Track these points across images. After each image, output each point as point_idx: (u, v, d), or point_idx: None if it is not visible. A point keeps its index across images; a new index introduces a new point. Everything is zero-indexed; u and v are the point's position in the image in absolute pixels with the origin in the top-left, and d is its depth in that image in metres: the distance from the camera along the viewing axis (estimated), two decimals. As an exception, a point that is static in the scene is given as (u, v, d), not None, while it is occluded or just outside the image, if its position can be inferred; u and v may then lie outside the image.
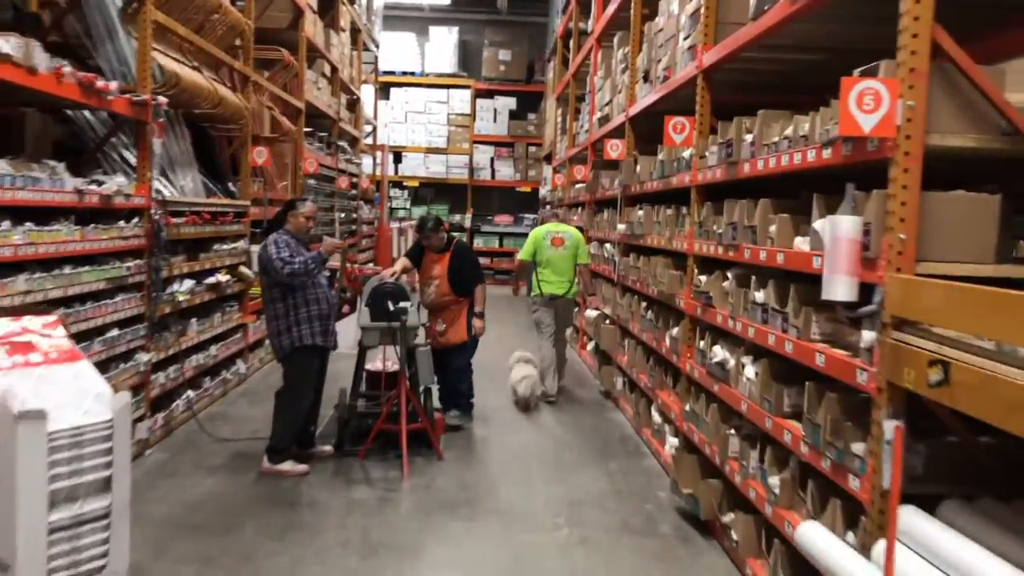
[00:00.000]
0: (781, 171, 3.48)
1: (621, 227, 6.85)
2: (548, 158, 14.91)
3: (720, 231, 4.21)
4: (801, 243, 3.36)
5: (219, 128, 7.61)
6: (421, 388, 5.54)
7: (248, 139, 7.44)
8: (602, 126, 8.16)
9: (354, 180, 13.41)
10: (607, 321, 7.56)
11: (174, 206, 5.71)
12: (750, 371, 3.78)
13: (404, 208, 19.06)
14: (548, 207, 13.49)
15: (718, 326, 4.26)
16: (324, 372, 5.33)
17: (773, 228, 3.59)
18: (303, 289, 5.02)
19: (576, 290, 7.39)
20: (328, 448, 5.42)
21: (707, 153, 4.60)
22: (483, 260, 13.63)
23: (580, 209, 9.96)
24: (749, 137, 3.92)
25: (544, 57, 17.52)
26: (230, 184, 7.17)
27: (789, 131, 3.50)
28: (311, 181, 10.16)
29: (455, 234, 6.35)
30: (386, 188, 16.44)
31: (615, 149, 7.19)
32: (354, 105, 13.89)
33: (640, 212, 6.21)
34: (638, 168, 6.37)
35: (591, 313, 8.30)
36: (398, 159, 18.77)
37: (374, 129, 16.45)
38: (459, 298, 6.08)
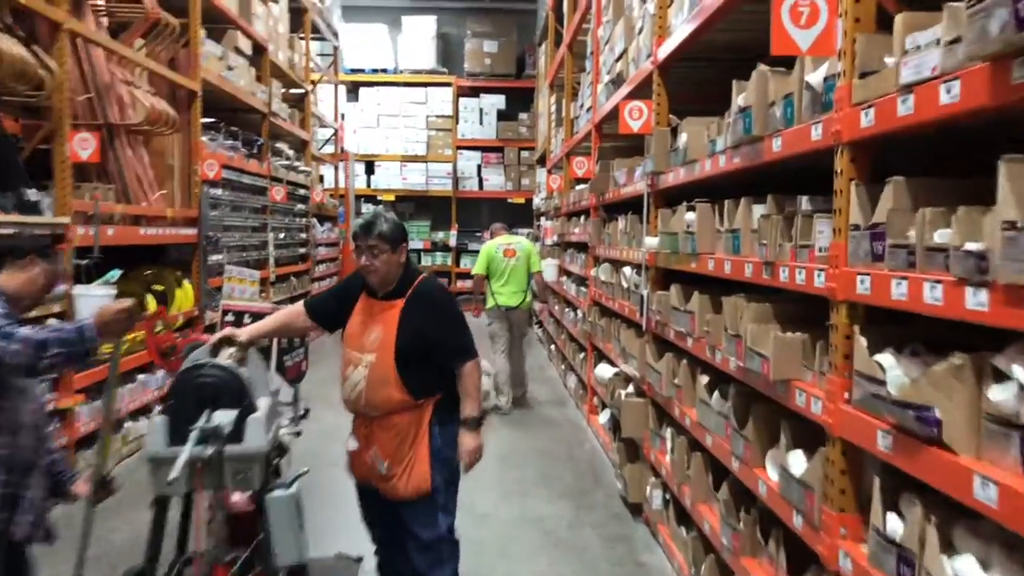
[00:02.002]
0: None
1: (651, 241, 4.19)
2: (542, 160, 12.29)
3: (957, 251, 1.56)
4: None
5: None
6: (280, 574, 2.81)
7: (63, 123, 4.79)
8: (615, 91, 5.50)
9: (299, 192, 10.79)
10: (630, 389, 4.86)
11: None
12: None
13: (378, 226, 16.38)
14: (543, 219, 10.86)
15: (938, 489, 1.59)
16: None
17: None
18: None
19: (530, 300, 7.44)
20: None
21: (888, 62, 1.94)
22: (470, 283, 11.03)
23: (583, 219, 7.30)
24: None
25: (535, 45, 14.93)
26: (27, 192, 4.50)
27: None
28: (217, 191, 7.51)
29: (422, 268, 3.52)
30: (351, 203, 13.82)
31: (636, 116, 4.52)
32: (301, 101, 11.29)
33: (690, 215, 3.53)
34: (682, 140, 3.70)
35: (604, 372, 5.61)
36: (370, 169, 16.16)
37: (335, 134, 13.84)
38: (416, 399, 3.01)
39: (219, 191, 7.53)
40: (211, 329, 7.06)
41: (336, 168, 14.01)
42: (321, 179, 14.01)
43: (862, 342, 1.99)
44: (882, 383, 1.88)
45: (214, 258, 7.35)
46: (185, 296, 6.85)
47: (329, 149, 13.87)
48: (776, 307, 2.71)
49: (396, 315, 3.03)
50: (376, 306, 3.12)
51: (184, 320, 6.86)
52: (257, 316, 6.67)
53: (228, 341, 3.06)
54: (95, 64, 5.66)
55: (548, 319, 10.27)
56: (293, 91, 11.33)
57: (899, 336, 2.04)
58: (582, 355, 7.17)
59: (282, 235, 9.92)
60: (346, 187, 13.80)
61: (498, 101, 16.27)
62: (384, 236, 3.01)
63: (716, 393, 3.23)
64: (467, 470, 3.11)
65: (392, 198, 16.37)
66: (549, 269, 8.98)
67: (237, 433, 2.65)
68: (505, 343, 7.24)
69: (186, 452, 2.43)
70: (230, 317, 6.76)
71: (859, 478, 2.13)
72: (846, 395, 2.10)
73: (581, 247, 7.57)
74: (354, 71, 16.07)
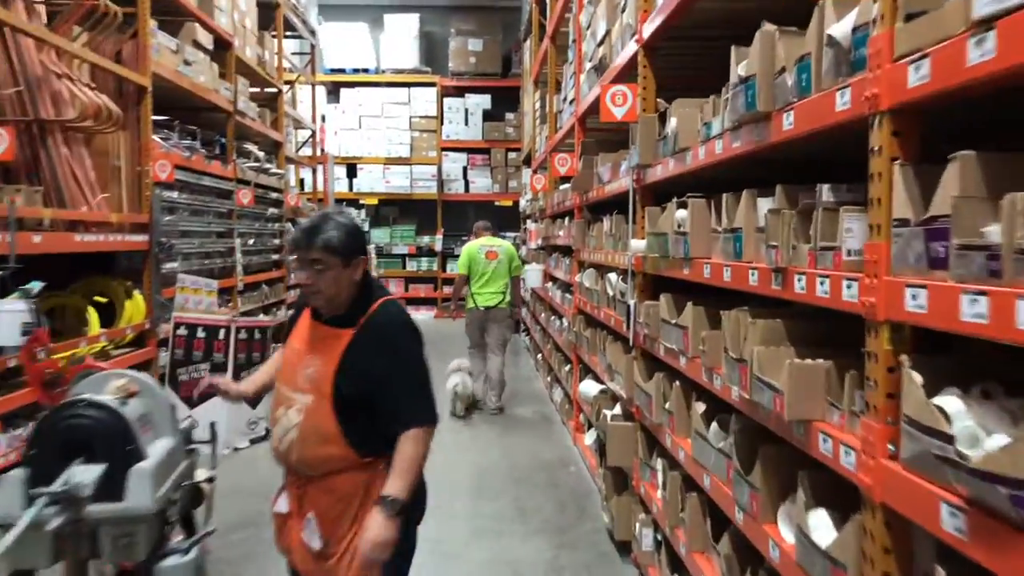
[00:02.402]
0: None
1: (637, 244, 3.66)
2: (528, 161, 11.77)
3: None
4: None
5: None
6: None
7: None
8: (597, 80, 4.97)
9: (271, 196, 10.24)
10: (616, 410, 4.33)
11: None
12: None
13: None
14: (528, 222, 10.35)
15: None
16: None
17: None
18: None
19: (509, 301, 7.47)
20: None
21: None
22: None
23: (567, 221, 6.78)
24: None
25: (520, 42, 14.41)
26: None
27: None
28: (174, 194, 6.96)
29: (389, 289, 2.61)
30: (330, 208, 13.25)
31: (620, 103, 3.99)
32: (273, 101, 10.74)
33: (681, 212, 3.00)
34: (672, 126, 3.17)
35: (589, 388, 5.08)
36: (352, 172, 15.62)
37: (313, 135, 13.29)
38: (362, 457, 2.34)
39: (176, 194, 6.97)
40: (165, 344, 6.53)
41: (314, 171, 13.45)
42: (301, 183, 13.45)
43: (915, 379, 1.46)
44: (946, 437, 1.35)
45: (169, 266, 6.80)
46: (136, 308, 6.29)
47: (309, 152, 13.32)
48: (790, 325, 2.17)
49: (340, 349, 2.32)
50: (319, 331, 2.41)
51: (135, 334, 6.31)
52: (211, 329, 6.13)
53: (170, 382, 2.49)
54: (24, 55, 5.11)
55: (535, 326, 9.74)
56: (268, 90, 10.82)
57: (957, 369, 1.52)
58: (567, 367, 6.64)
59: (251, 241, 9.36)
60: (325, 191, 13.24)
61: (484, 101, 15.76)
62: (332, 247, 2.29)
63: (715, 424, 2.70)
64: (362, 569, 2.28)
65: (375, 201, 15.84)
66: (533, 274, 8.45)
67: (115, 489, 2.11)
68: (479, 343, 7.37)
69: (23, 522, 1.88)
70: (183, 331, 6.22)
71: (909, 559, 1.60)
72: (891, 448, 1.57)
73: (566, 251, 7.05)
74: (334, 71, 15.55)
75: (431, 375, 2.40)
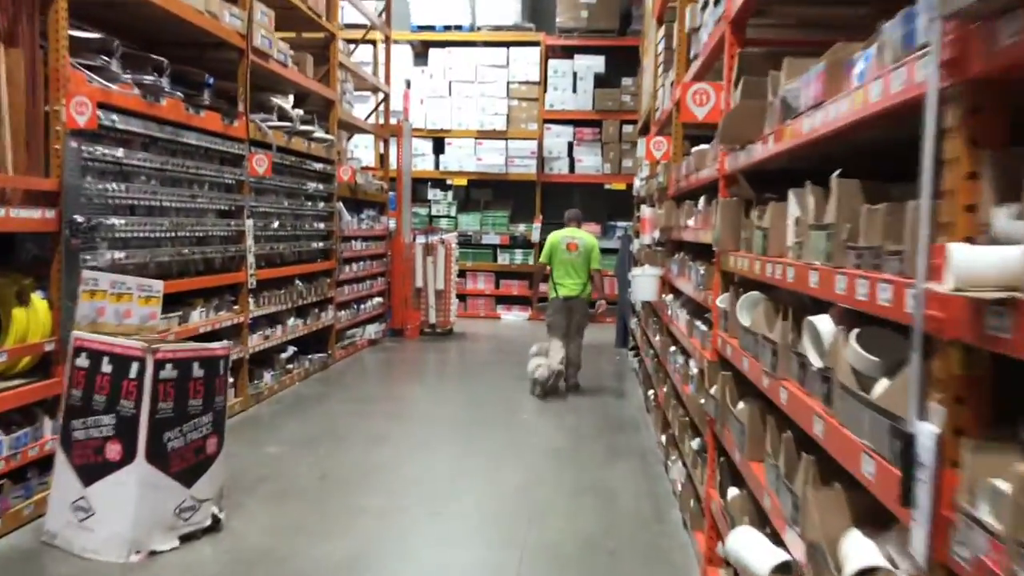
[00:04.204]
0: None
1: (980, 260, 1.09)
2: (646, 130, 9.11)
3: None
4: None
5: None
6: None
7: None
8: None
9: (315, 168, 8.07)
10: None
11: None
12: None
13: (447, 216, 13.62)
14: (642, 208, 7.74)
15: None
16: None
17: None
18: None
19: (589, 291, 7.57)
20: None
21: None
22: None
23: (702, 202, 4.18)
24: None
25: (643, -13, 11.70)
26: None
27: None
28: (118, 151, 4.81)
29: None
30: (406, 187, 11.05)
31: None
32: (324, 50, 8.57)
33: None
34: None
35: (749, 555, 2.50)
36: (439, 148, 13.40)
37: (385, 99, 11.10)
38: None
39: (120, 152, 4.81)
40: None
41: (385, 143, 11.26)
42: (381, 159, 11.28)
43: None
44: None
45: (108, 256, 4.67)
46: (34, 319, 4.17)
47: (391, 120, 11.15)
48: None
49: None
50: None
51: (32, 358, 4.19)
52: (121, 361, 3.90)
53: None
54: None
55: (645, 347, 7.16)
56: (356, 38, 8.65)
57: None
58: (696, 442, 4.07)
59: (275, 224, 7.20)
60: (399, 167, 11.03)
61: (596, 63, 13.17)
62: None
63: None
64: None
65: (464, 182, 13.58)
66: (644, 284, 5.87)
67: None
68: (562, 332, 7.43)
69: None
70: (83, 360, 4.02)
71: None
72: None
73: (700, 250, 4.47)
74: (421, 28, 13.33)
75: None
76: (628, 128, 12.92)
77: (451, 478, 5.06)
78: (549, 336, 7.54)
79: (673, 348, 5.23)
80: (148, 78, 5.04)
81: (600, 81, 13.21)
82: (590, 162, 13.29)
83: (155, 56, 5.14)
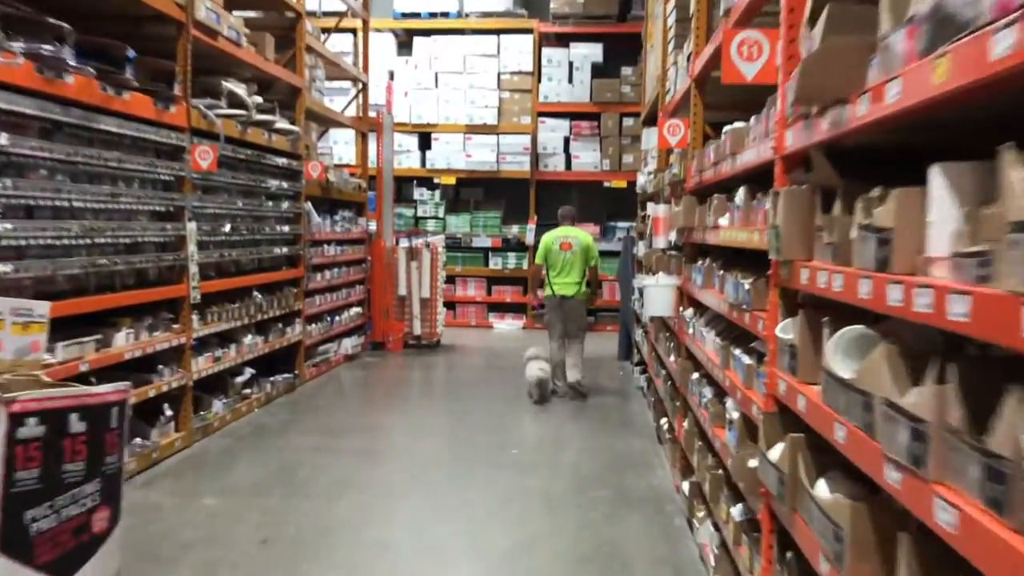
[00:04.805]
0: None
1: None
2: (649, 121, 8.15)
3: None
4: None
5: None
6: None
7: None
8: None
9: (277, 163, 7.10)
10: None
11: None
12: None
13: (435, 217, 12.66)
14: (651, 205, 6.76)
15: None
16: None
17: None
18: None
19: (585, 291, 7.41)
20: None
21: None
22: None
23: (741, 195, 3.23)
24: None
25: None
26: None
27: None
28: (31, 142, 3.83)
29: None
30: (387, 186, 10.09)
31: None
32: (293, 30, 7.60)
33: None
34: None
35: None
36: (426, 143, 12.44)
37: (363, 88, 10.12)
38: None
39: (37, 144, 3.85)
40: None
41: (364, 137, 10.28)
42: (363, 156, 10.31)
43: None
44: None
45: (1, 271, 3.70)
46: None
47: (364, 112, 10.17)
48: None
49: None
50: None
51: None
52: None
53: None
54: None
55: (656, 366, 6.20)
56: (330, 26, 7.67)
57: None
58: (738, 510, 3.10)
59: (227, 228, 6.22)
60: (379, 164, 10.06)
61: (593, 52, 12.24)
62: None
63: None
64: None
65: (453, 180, 12.61)
66: (657, 296, 4.91)
67: None
68: (559, 332, 7.34)
69: None
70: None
71: None
72: None
73: (734, 257, 3.51)
74: (406, 15, 12.38)
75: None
76: (629, 121, 11.98)
77: (427, 542, 4.09)
78: (549, 337, 7.49)
79: (696, 375, 4.28)
80: (47, 47, 4.07)
81: (598, 71, 12.27)
82: (588, 158, 12.34)
83: (54, 21, 4.14)
